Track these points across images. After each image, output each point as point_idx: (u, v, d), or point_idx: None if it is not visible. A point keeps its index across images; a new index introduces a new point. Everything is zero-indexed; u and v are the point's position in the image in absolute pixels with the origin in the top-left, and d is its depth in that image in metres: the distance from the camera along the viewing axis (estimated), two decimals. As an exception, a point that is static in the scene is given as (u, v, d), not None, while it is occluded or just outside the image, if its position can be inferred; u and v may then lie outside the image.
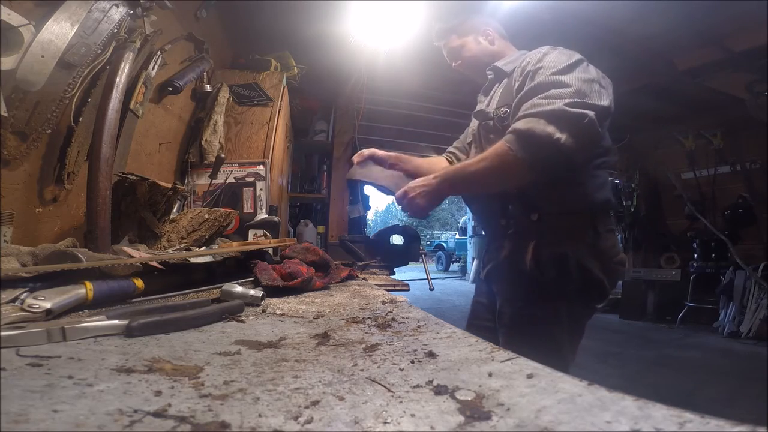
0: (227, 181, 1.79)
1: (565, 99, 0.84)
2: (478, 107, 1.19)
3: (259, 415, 0.24)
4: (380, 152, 1.22)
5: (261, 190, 1.85)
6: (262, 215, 1.66)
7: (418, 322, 0.54)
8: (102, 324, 0.42)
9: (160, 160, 1.68)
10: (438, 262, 13.67)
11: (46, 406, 0.24)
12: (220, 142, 1.94)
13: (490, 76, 1.17)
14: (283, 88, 2.31)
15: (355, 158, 1.21)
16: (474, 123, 1.19)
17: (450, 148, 1.38)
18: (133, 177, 1.02)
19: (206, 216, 1.14)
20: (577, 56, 0.95)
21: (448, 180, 0.98)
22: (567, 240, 0.96)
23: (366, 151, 1.22)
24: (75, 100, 0.98)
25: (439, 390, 0.29)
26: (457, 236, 13.56)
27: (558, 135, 0.81)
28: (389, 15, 2.43)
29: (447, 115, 3.88)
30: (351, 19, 2.52)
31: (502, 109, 1.03)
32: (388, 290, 0.92)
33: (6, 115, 0.81)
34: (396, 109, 3.96)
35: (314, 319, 0.56)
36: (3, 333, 0.36)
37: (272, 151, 2.07)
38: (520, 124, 0.86)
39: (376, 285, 1.03)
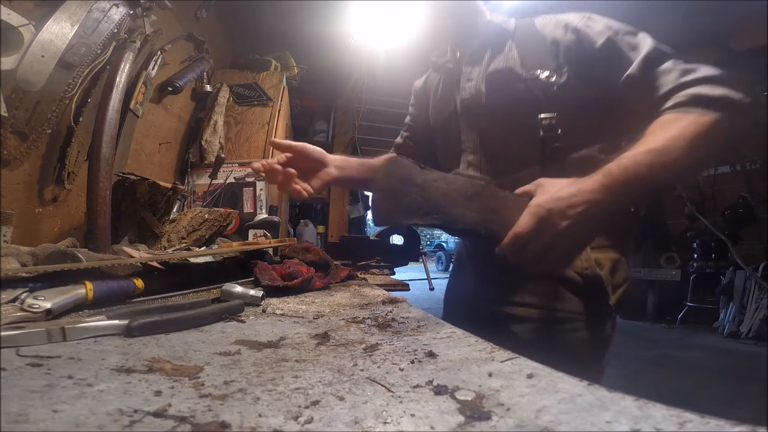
0: (227, 181, 1.80)
1: (699, 65, 0.69)
2: (476, 68, 0.88)
3: (259, 415, 0.24)
4: (315, 149, 0.88)
5: (261, 190, 1.85)
6: (262, 215, 1.66)
7: (418, 322, 0.54)
8: (102, 324, 0.42)
9: (160, 160, 1.68)
10: (438, 262, 13.67)
11: (46, 406, 0.24)
12: (220, 142, 1.94)
13: (481, 36, 0.90)
14: (283, 88, 2.31)
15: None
16: (471, 91, 0.87)
17: (408, 140, 1.10)
18: (133, 177, 1.02)
19: (206, 216, 1.14)
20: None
21: (625, 177, 0.59)
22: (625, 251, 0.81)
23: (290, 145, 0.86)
24: (75, 100, 0.98)
25: (439, 390, 0.29)
26: (457, 236, 13.54)
27: (749, 99, 0.66)
28: (389, 15, 2.43)
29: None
30: (351, 19, 2.52)
31: (537, 71, 0.78)
32: (388, 290, 0.92)
33: (6, 115, 0.81)
34: (396, 109, 3.95)
35: (314, 319, 0.56)
36: (3, 333, 0.36)
37: (272, 151, 2.07)
38: (704, 90, 0.66)
39: (376, 285, 1.03)
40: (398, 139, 1.14)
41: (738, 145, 0.70)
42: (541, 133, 0.76)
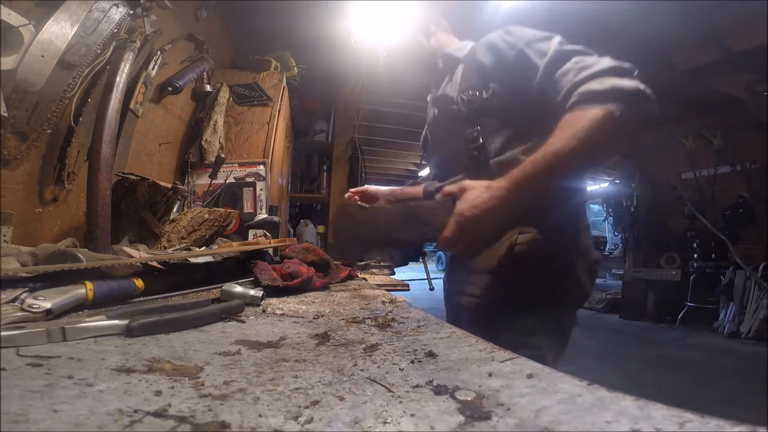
0: (227, 181, 1.79)
1: (600, 58, 0.74)
2: (433, 95, 1.06)
3: (259, 415, 0.24)
4: (373, 188, 1.13)
5: (261, 190, 1.85)
6: (262, 215, 1.66)
7: (418, 322, 0.54)
8: (102, 324, 0.42)
9: (160, 160, 1.68)
10: (438, 262, 13.67)
11: (46, 406, 0.24)
12: (220, 142, 1.94)
13: (440, 65, 1.04)
14: (283, 88, 2.31)
15: (349, 195, 1.14)
16: (431, 113, 1.05)
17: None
18: (133, 177, 1.02)
19: (206, 216, 1.14)
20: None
21: (525, 179, 0.68)
22: (555, 238, 0.84)
23: (359, 189, 1.14)
24: (75, 100, 0.98)
25: (439, 390, 0.29)
26: (457, 236, 13.55)
27: (642, 87, 0.68)
28: (389, 15, 2.43)
29: (447, 115, 3.87)
30: (351, 19, 2.52)
31: (468, 92, 0.88)
32: (388, 290, 0.92)
33: (6, 115, 0.81)
34: (396, 109, 3.95)
35: (314, 319, 0.56)
36: (3, 333, 0.36)
37: (272, 151, 2.07)
38: (593, 85, 0.69)
39: (376, 285, 1.03)
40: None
41: (636, 132, 0.72)
42: (465, 144, 0.89)
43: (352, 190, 1.21)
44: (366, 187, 1.14)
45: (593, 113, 0.68)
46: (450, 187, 0.73)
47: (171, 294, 0.69)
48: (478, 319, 0.86)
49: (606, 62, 0.72)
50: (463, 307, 0.92)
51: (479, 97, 0.87)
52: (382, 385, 0.30)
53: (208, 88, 1.98)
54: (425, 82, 1.12)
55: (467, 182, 0.72)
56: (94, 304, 0.54)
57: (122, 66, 1.02)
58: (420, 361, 0.37)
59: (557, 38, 0.80)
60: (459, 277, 0.96)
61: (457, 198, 0.71)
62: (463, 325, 0.79)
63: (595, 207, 7.35)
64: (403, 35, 1.11)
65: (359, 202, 1.12)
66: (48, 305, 0.46)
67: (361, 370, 0.34)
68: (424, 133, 1.17)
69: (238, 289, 0.66)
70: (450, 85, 0.98)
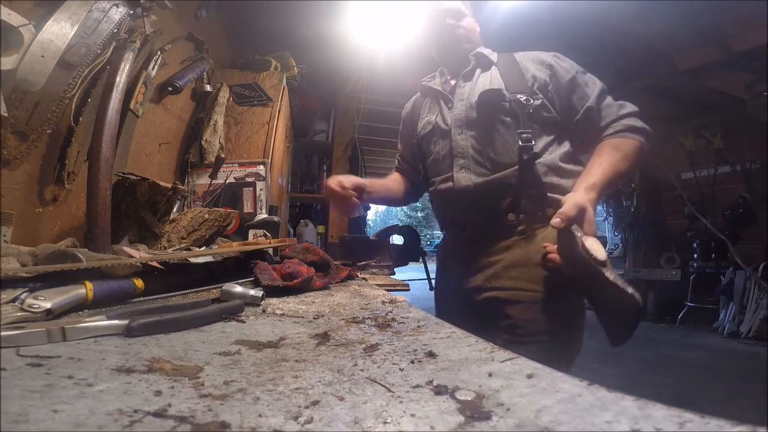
0: (227, 181, 1.80)
1: (622, 103, 1.02)
2: (467, 87, 1.09)
3: (259, 415, 0.24)
4: (354, 179, 1.07)
5: (261, 190, 1.85)
6: (262, 215, 1.66)
7: (418, 322, 0.54)
8: (102, 324, 0.42)
9: (160, 160, 1.68)
10: (438, 262, 13.65)
11: (46, 406, 0.24)
12: (220, 142, 1.94)
13: (472, 62, 1.11)
14: (283, 88, 2.31)
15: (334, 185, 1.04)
16: (461, 104, 1.07)
17: (402, 163, 1.33)
18: (133, 177, 1.02)
19: (206, 216, 1.14)
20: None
21: (601, 189, 0.88)
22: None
23: (339, 180, 1.05)
24: (75, 100, 0.98)
25: (439, 390, 0.29)
26: (457, 236, 13.53)
27: (651, 130, 0.98)
28: (389, 15, 2.43)
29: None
30: (351, 19, 2.52)
31: (519, 95, 1.00)
32: (388, 290, 0.92)
33: (6, 115, 0.81)
34: (396, 109, 3.94)
35: (314, 319, 0.56)
36: (3, 333, 0.36)
37: (272, 151, 2.07)
38: (633, 122, 0.98)
39: (376, 285, 1.03)
40: (396, 164, 1.40)
41: (645, 161, 1.00)
42: (520, 143, 0.98)
43: (344, 185, 1.05)
44: (351, 180, 1.06)
45: (636, 142, 0.96)
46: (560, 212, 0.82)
47: (171, 294, 0.69)
48: (535, 311, 0.94)
49: (632, 106, 1.01)
50: (501, 300, 0.97)
51: (532, 104, 1.00)
52: (382, 385, 0.30)
53: (208, 88, 1.98)
54: (442, 59, 1.21)
55: (568, 195, 0.86)
56: (94, 304, 0.54)
57: (122, 66, 1.02)
58: (420, 361, 0.37)
59: (592, 75, 1.05)
60: (488, 274, 1.02)
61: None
62: (499, 319, 0.98)
63: (595, 207, 7.34)
64: (435, 10, 1.17)
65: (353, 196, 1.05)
66: (48, 305, 0.46)
67: (361, 370, 0.34)
68: (429, 121, 1.15)
69: (238, 289, 0.66)
70: (490, 82, 1.07)
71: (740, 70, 3.07)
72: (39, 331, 0.38)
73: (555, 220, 0.79)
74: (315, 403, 0.27)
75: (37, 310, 0.45)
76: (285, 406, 0.26)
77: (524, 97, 1.00)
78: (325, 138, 3.68)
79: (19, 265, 0.59)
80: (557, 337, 0.94)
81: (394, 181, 1.32)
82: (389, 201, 1.39)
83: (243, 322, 0.53)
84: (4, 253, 0.61)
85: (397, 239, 1.84)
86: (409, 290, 1.25)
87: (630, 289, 0.69)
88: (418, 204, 24.84)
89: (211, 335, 0.45)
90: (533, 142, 0.98)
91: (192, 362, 0.35)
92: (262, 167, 1.90)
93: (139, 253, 0.77)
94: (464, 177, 1.02)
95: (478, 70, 1.10)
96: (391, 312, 0.62)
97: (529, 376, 0.31)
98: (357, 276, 1.15)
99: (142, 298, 0.63)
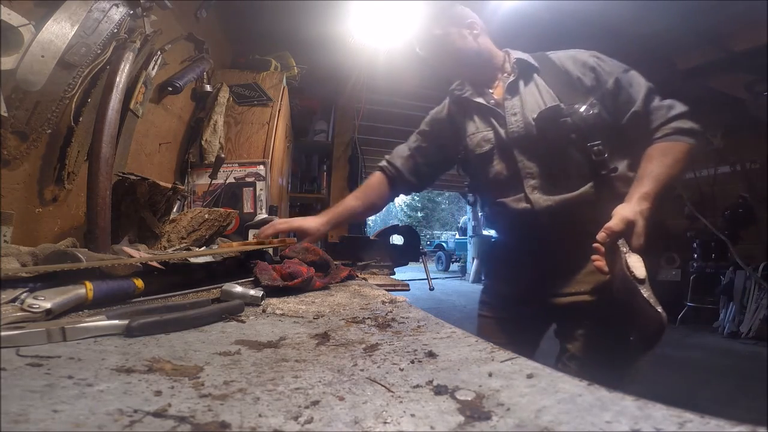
0: (227, 181, 1.80)
1: (673, 101, 0.97)
2: (515, 101, 1.05)
3: (259, 415, 0.24)
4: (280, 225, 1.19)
5: (261, 190, 1.85)
6: (262, 215, 1.66)
7: (418, 322, 0.54)
8: (102, 324, 0.42)
9: (160, 160, 1.68)
10: (438, 262, 13.67)
11: (46, 406, 0.24)
12: (220, 142, 1.94)
13: (515, 70, 1.07)
14: (283, 88, 2.31)
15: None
16: (516, 120, 1.04)
17: (392, 160, 1.28)
18: (133, 177, 1.02)
19: (206, 216, 1.14)
20: None
21: (655, 197, 0.84)
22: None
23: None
24: (75, 100, 0.98)
25: (439, 390, 0.29)
26: (457, 236, 13.58)
27: (701, 129, 0.94)
28: (389, 15, 2.43)
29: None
30: (351, 19, 2.52)
31: (584, 107, 0.97)
32: (388, 290, 0.92)
33: (6, 115, 0.81)
34: (396, 109, 3.96)
35: (314, 319, 0.56)
36: (3, 333, 0.36)
37: (272, 151, 2.07)
38: (682, 124, 0.93)
39: (376, 285, 1.03)
40: (403, 152, 1.30)
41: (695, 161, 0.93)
42: (593, 157, 0.96)
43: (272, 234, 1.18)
44: (275, 226, 1.21)
45: (687, 145, 0.92)
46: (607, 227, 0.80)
47: (171, 294, 0.69)
48: (607, 316, 0.94)
49: (682, 107, 0.96)
50: (580, 307, 0.97)
51: (591, 113, 0.97)
52: (382, 385, 0.30)
53: (208, 88, 1.98)
54: (458, 75, 1.19)
55: (618, 207, 0.83)
56: (94, 304, 0.54)
57: (122, 66, 1.02)
58: (420, 361, 0.37)
59: (636, 73, 1.00)
60: (553, 280, 1.02)
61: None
62: (582, 325, 0.99)
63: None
64: (447, 28, 1.11)
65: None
66: (48, 305, 0.46)
67: (361, 370, 0.34)
68: (482, 149, 1.10)
69: (238, 289, 0.66)
70: (541, 96, 1.02)
71: (740, 70, 3.07)
72: (39, 331, 0.38)
73: (600, 235, 0.78)
74: (315, 403, 0.27)
75: (37, 310, 0.45)
76: (285, 406, 0.26)
77: (582, 107, 0.97)
78: (325, 138, 3.69)
79: (19, 265, 0.59)
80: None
81: (372, 189, 1.29)
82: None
83: (243, 322, 0.53)
84: (4, 253, 0.61)
85: (397, 239, 1.84)
86: (409, 290, 1.25)
87: (659, 308, 0.70)
88: (418, 204, 24.85)
89: (211, 335, 0.45)
90: (606, 155, 0.96)
91: (192, 362, 0.35)
92: (262, 167, 1.90)
93: (139, 253, 0.77)
94: (541, 198, 1.00)
95: (521, 82, 1.06)
96: (391, 312, 0.62)
97: (529, 376, 0.31)
98: (357, 276, 1.15)
99: (142, 298, 0.63)
